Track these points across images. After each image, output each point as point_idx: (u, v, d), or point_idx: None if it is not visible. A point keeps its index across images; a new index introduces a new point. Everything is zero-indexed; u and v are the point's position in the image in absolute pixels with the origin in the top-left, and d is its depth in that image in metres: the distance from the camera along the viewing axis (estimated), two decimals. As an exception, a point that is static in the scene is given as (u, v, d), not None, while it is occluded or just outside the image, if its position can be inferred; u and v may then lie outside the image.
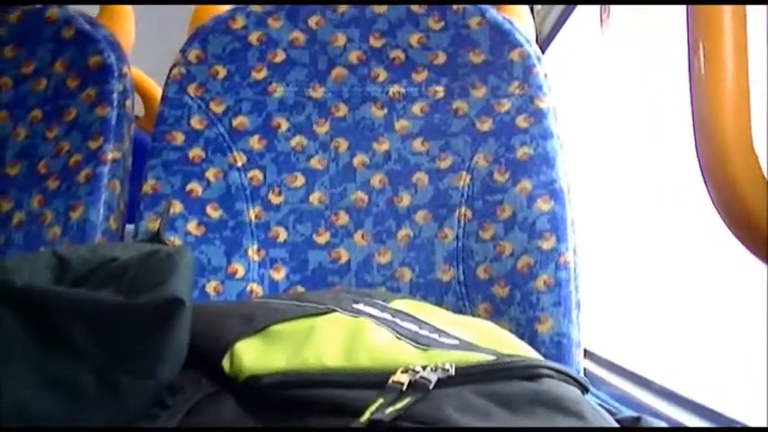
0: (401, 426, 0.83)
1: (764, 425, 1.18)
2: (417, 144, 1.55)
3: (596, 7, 1.99)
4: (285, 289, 1.51)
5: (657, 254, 1.77)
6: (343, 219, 1.54)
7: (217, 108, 1.57)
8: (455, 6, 1.59)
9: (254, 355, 0.97)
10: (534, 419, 0.87)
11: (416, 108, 1.57)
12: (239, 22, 1.61)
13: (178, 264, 1.03)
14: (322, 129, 1.58)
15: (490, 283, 1.47)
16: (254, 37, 1.61)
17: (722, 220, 0.96)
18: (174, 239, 1.50)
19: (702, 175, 0.97)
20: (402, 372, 0.89)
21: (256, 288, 1.51)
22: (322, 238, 1.54)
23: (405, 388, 0.87)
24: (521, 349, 1.07)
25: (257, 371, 0.94)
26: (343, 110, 1.58)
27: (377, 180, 1.55)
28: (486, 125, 1.53)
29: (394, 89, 1.58)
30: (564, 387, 0.94)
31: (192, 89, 1.58)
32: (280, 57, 1.60)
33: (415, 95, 1.58)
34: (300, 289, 1.51)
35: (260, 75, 1.59)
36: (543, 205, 1.47)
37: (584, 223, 1.55)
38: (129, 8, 1.82)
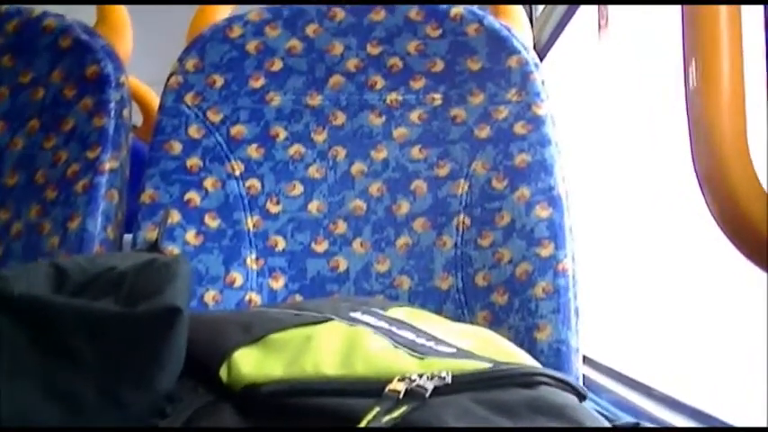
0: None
1: (764, 425, 1.18)
2: (416, 152, 1.56)
3: (594, 15, 1.99)
4: (284, 298, 1.51)
5: (656, 259, 1.77)
6: (342, 227, 1.54)
7: (214, 117, 1.57)
8: (453, 13, 1.59)
9: (251, 364, 0.97)
10: (531, 427, 0.87)
11: (414, 115, 1.57)
12: (237, 31, 1.62)
13: (176, 273, 1.03)
14: (320, 137, 1.58)
15: (489, 291, 1.46)
16: (251, 46, 1.61)
17: (718, 225, 0.96)
18: (173, 249, 1.50)
19: (698, 183, 0.97)
20: (399, 380, 0.89)
21: (255, 297, 1.51)
22: (320, 246, 1.53)
23: (401, 396, 0.87)
24: (518, 357, 1.07)
25: (255, 380, 0.94)
26: (341, 118, 1.58)
27: (375, 188, 1.55)
28: (484, 132, 1.53)
29: (392, 97, 1.58)
30: (561, 394, 0.94)
31: (189, 98, 1.58)
32: (277, 65, 1.60)
33: (413, 103, 1.58)
34: (299, 298, 1.51)
35: (257, 83, 1.59)
36: (542, 212, 1.47)
37: (583, 230, 1.55)
38: (126, 17, 1.81)
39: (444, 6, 1.61)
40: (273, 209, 1.54)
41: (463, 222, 1.51)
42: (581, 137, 2.15)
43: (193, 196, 1.54)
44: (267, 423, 0.92)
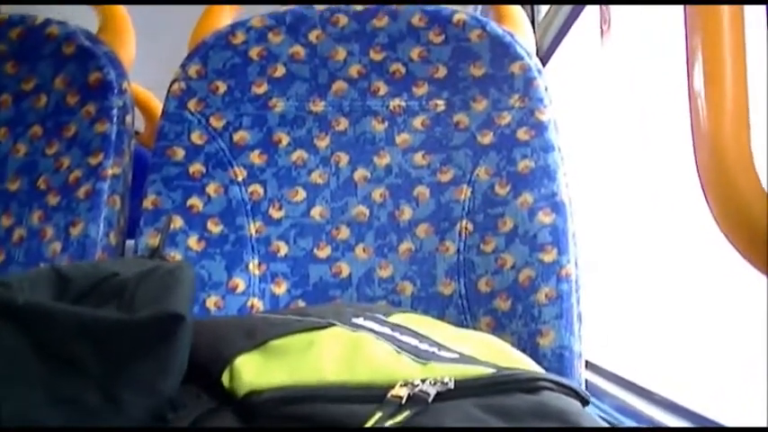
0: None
1: (764, 425, 1.18)
2: (418, 157, 1.55)
3: (597, 20, 1.99)
4: (286, 303, 1.51)
5: (660, 264, 1.77)
6: (345, 233, 1.54)
7: (217, 123, 1.57)
8: (456, 19, 1.59)
9: (253, 371, 0.97)
10: (535, 427, 0.87)
11: (417, 121, 1.57)
12: (240, 38, 1.62)
13: (179, 279, 1.03)
14: (323, 143, 1.58)
15: (492, 297, 1.46)
16: (254, 52, 1.61)
17: (720, 230, 0.96)
18: (175, 255, 1.50)
19: (701, 187, 0.97)
20: (401, 385, 0.89)
21: (257, 303, 1.51)
22: (323, 252, 1.53)
23: (404, 401, 0.87)
24: (521, 362, 1.07)
25: (257, 386, 0.94)
26: (343, 124, 1.58)
27: (378, 194, 1.55)
28: (487, 138, 1.53)
29: (395, 103, 1.58)
30: (564, 400, 0.94)
31: (192, 104, 1.58)
32: (280, 71, 1.60)
33: (416, 109, 1.58)
34: (301, 303, 1.51)
35: (260, 89, 1.59)
36: (544, 218, 1.47)
37: (585, 235, 1.55)
38: (129, 23, 1.82)
39: (447, 12, 1.61)
40: (276, 214, 1.54)
41: (466, 228, 1.51)
42: (584, 142, 2.15)
43: (196, 202, 1.54)
44: (269, 429, 0.92)
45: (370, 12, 1.63)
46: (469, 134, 1.55)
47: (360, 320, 1.09)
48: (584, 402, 1.00)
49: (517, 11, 1.76)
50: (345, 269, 1.53)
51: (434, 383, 0.90)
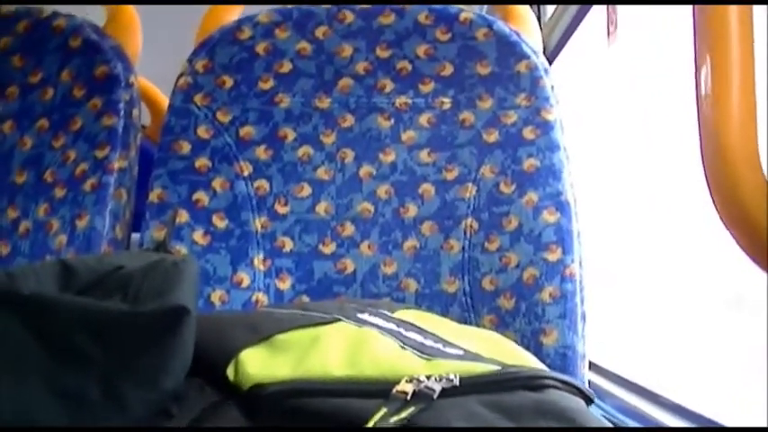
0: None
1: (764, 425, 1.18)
2: (424, 155, 1.55)
3: (604, 19, 1.99)
4: (290, 299, 1.51)
5: (666, 263, 1.77)
6: (350, 229, 1.54)
7: (223, 118, 1.57)
8: (462, 17, 1.59)
9: (258, 364, 0.97)
10: (538, 428, 0.87)
11: (423, 119, 1.57)
12: (246, 33, 1.62)
13: (183, 273, 1.03)
14: (328, 139, 1.58)
15: (496, 295, 1.46)
16: (260, 47, 1.61)
17: (728, 231, 0.96)
18: (180, 248, 1.50)
19: (708, 189, 0.97)
20: (406, 381, 0.89)
21: (262, 298, 1.51)
22: (328, 248, 1.53)
23: (409, 397, 0.87)
24: (526, 360, 1.07)
25: (262, 380, 0.94)
26: (349, 120, 1.58)
27: (383, 191, 1.55)
28: (492, 137, 1.53)
29: (401, 100, 1.58)
30: (569, 398, 0.94)
31: (198, 99, 1.58)
32: (286, 67, 1.61)
33: (422, 106, 1.58)
34: (306, 299, 1.51)
35: (267, 85, 1.59)
36: (549, 217, 1.47)
37: (590, 235, 1.55)
38: (136, 17, 1.82)
39: (454, 10, 1.61)
40: (281, 210, 1.54)
41: (471, 226, 1.51)
42: (590, 142, 2.15)
43: (201, 196, 1.54)
44: (273, 423, 0.92)
45: (377, 9, 1.63)
46: (475, 132, 1.55)
47: (365, 316, 1.09)
48: (589, 401, 1.00)
49: (524, 10, 1.76)
50: (350, 265, 1.53)
51: (440, 380, 0.90)
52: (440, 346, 1.01)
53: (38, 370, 0.91)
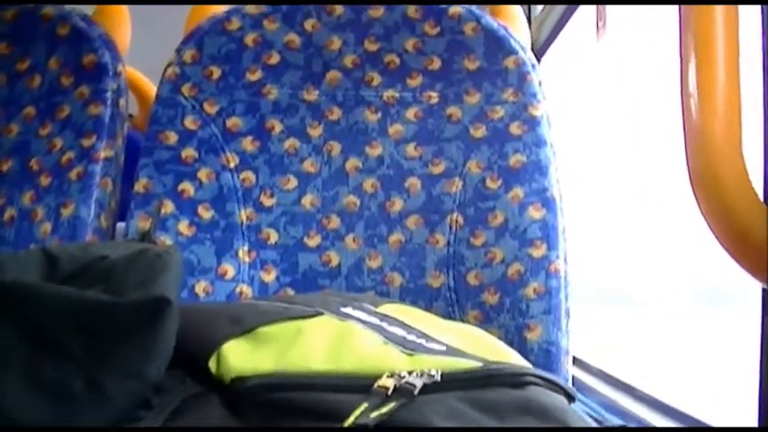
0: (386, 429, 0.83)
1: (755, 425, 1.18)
2: (411, 149, 1.55)
3: (593, 16, 1.99)
4: (275, 291, 1.51)
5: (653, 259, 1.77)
6: (335, 222, 1.54)
7: (211, 109, 1.57)
8: (451, 12, 1.59)
9: (240, 357, 0.97)
10: (519, 427, 0.87)
11: (410, 113, 1.57)
12: (235, 24, 1.61)
13: (167, 263, 1.03)
14: (315, 132, 1.58)
15: (480, 290, 1.47)
16: (249, 38, 1.61)
17: (710, 229, 0.96)
18: (165, 239, 1.50)
19: (692, 187, 0.97)
20: (388, 376, 0.89)
21: (246, 289, 1.51)
22: (313, 241, 1.53)
23: (390, 393, 0.87)
24: (509, 356, 1.07)
25: (243, 372, 0.94)
26: (337, 113, 1.58)
27: (369, 184, 1.55)
28: (479, 132, 1.53)
29: (388, 94, 1.58)
30: (550, 395, 0.94)
31: (186, 89, 1.58)
32: (274, 59, 1.60)
33: (410, 100, 1.58)
34: (290, 291, 1.51)
35: (254, 76, 1.59)
36: (535, 213, 1.47)
37: (576, 231, 1.55)
38: (125, 7, 1.82)
39: (443, 5, 1.61)
40: (267, 202, 1.54)
41: (456, 221, 1.51)
42: (578, 138, 2.15)
43: (187, 187, 1.54)
44: (254, 416, 0.91)
45: (366, 2, 1.63)
46: (462, 127, 1.55)
47: (348, 310, 1.09)
48: (571, 398, 1.00)
49: (513, 7, 1.76)
50: (335, 258, 1.53)
51: (421, 375, 0.89)
52: (422, 341, 1.01)
53: (19, 360, 0.90)
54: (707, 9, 0.96)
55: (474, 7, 1.60)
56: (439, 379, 0.90)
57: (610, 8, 1.92)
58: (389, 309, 1.17)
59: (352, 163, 1.56)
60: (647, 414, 1.52)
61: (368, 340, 0.99)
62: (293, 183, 1.55)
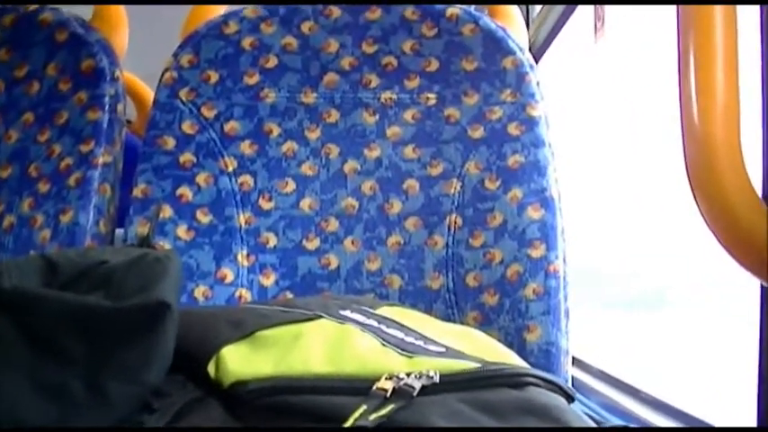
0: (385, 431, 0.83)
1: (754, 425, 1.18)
2: (409, 151, 1.55)
3: (591, 17, 1.99)
4: (274, 295, 1.51)
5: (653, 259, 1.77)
6: (334, 225, 1.54)
7: (208, 113, 1.57)
8: (449, 13, 1.59)
9: (240, 361, 0.97)
10: (519, 428, 0.87)
11: (408, 115, 1.57)
12: (232, 28, 1.61)
13: (166, 268, 1.03)
14: (313, 134, 1.58)
15: (479, 291, 1.47)
16: (246, 42, 1.61)
17: (710, 230, 0.96)
18: (164, 244, 1.50)
19: (691, 189, 0.97)
20: (386, 378, 0.89)
21: (245, 293, 1.51)
22: (312, 244, 1.53)
23: (389, 395, 0.87)
24: (508, 358, 1.07)
25: (243, 376, 0.94)
26: (334, 116, 1.58)
27: (368, 186, 1.55)
28: (477, 132, 1.53)
29: (386, 95, 1.58)
30: (550, 396, 0.94)
31: (183, 94, 1.58)
32: (272, 62, 1.60)
33: (408, 102, 1.58)
34: (290, 295, 1.51)
35: (252, 80, 1.59)
36: (533, 213, 1.47)
37: (575, 232, 1.55)
38: (123, 12, 1.82)
39: (440, 6, 1.60)
40: (266, 205, 1.54)
41: (455, 222, 1.51)
42: (577, 138, 2.15)
43: (185, 191, 1.54)
44: (254, 420, 0.91)
45: (363, 4, 1.63)
46: (460, 128, 1.55)
47: (347, 313, 1.09)
48: (570, 399, 1.00)
49: (511, 7, 1.76)
50: (334, 261, 1.53)
51: (420, 377, 0.89)
52: (421, 343, 1.01)
53: (20, 365, 0.90)
54: (705, 9, 0.96)
55: (472, 8, 1.60)
56: (438, 380, 0.90)
57: (608, 8, 1.92)
58: (388, 311, 1.17)
59: (351, 165, 1.56)
60: (647, 414, 1.51)
61: (367, 343, 0.99)
62: (292, 186, 1.55)
